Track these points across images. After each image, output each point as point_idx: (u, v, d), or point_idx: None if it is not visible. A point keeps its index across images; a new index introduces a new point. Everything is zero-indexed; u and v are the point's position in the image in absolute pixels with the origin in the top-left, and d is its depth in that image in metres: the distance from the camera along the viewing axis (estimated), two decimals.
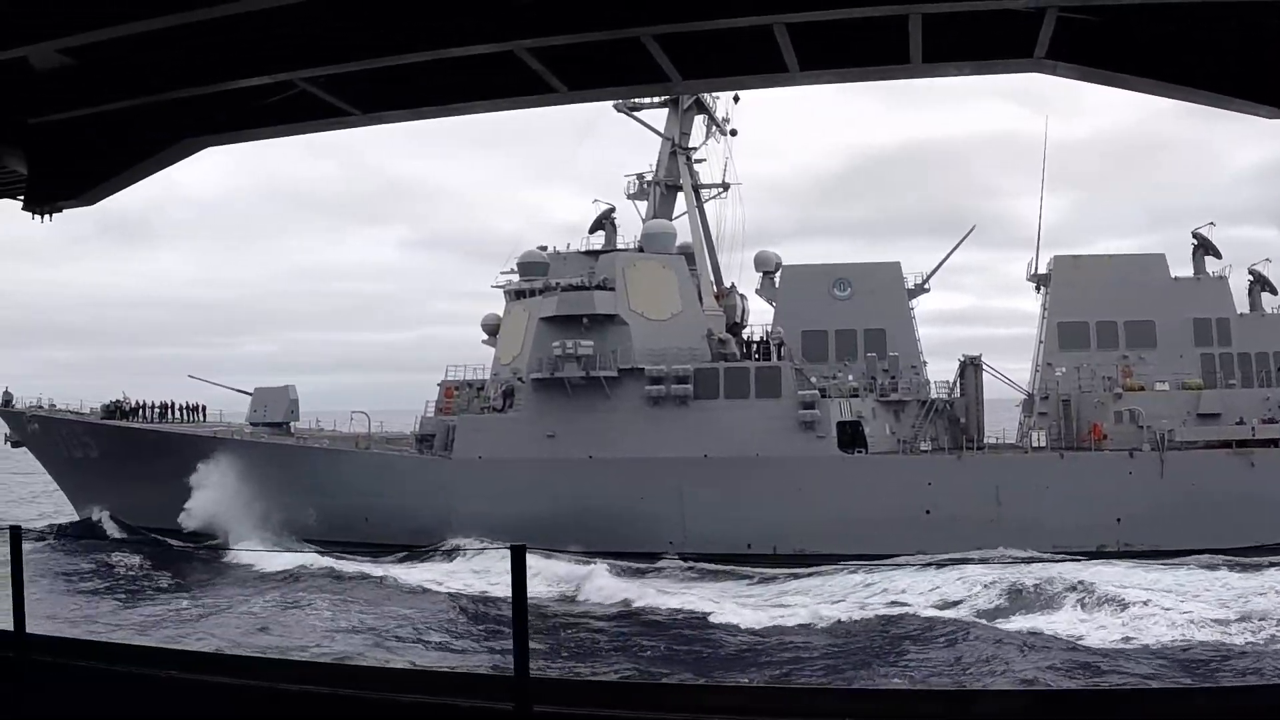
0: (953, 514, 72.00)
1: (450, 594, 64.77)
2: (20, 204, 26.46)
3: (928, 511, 72.54)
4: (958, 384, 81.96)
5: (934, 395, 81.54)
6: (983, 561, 66.83)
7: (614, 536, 71.87)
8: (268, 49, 17.12)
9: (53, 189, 25.38)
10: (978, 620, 55.37)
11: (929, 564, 67.07)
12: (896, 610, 57.90)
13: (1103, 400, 78.57)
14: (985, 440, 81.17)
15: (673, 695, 9.86)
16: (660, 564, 71.95)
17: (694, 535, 74.22)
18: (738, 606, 59.50)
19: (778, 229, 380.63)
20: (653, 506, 74.49)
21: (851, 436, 77.19)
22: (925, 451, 77.90)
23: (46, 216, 26.62)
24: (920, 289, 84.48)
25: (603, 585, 64.76)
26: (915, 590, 61.46)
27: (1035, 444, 78.29)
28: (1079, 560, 66.06)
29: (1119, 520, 71.62)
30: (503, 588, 59.72)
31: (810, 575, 66.50)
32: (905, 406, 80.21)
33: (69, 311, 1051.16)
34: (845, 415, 77.18)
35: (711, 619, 57.53)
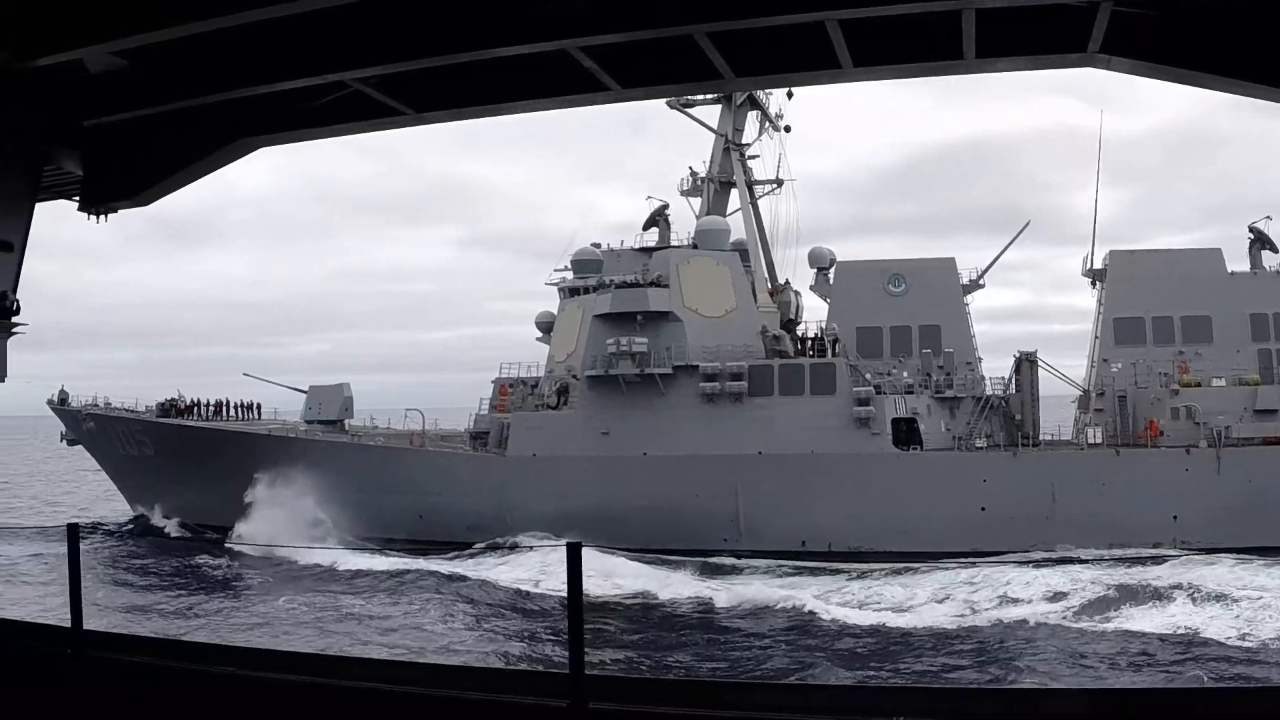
0: (1008, 511, 71.55)
1: (506, 591, 64.76)
2: (76, 205, 26.63)
3: (983, 509, 72.17)
4: (1013, 380, 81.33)
5: (989, 392, 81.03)
6: (1067, 560, 66.07)
7: (668, 534, 71.79)
8: (320, 50, 17.13)
9: (107, 190, 25.47)
10: (1090, 618, 54.86)
11: (1025, 561, 66.22)
12: (1006, 609, 57.28)
13: (1159, 396, 77.91)
14: (1041, 437, 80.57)
15: (728, 693, 9.83)
16: (743, 561, 71.86)
17: (749, 532, 74.11)
18: (838, 605, 59.16)
19: (832, 225, 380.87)
20: (707, 504, 74.37)
21: (906, 433, 76.91)
22: (980, 448, 77.54)
23: (102, 217, 26.75)
24: (975, 285, 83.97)
25: (685, 583, 64.67)
26: (1019, 584, 60.83)
27: (1091, 441, 77.60)
28: (1181, 559, 65.64)
29: (1175, 518, 71.03)
30: (557, 583, 60.03)
31: (907, 572, 65.82)
32: (960, 403, 79.87)
33: (125, 312, 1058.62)
34: (900, 412, 76.93)
35: (817, 617, 57.17)
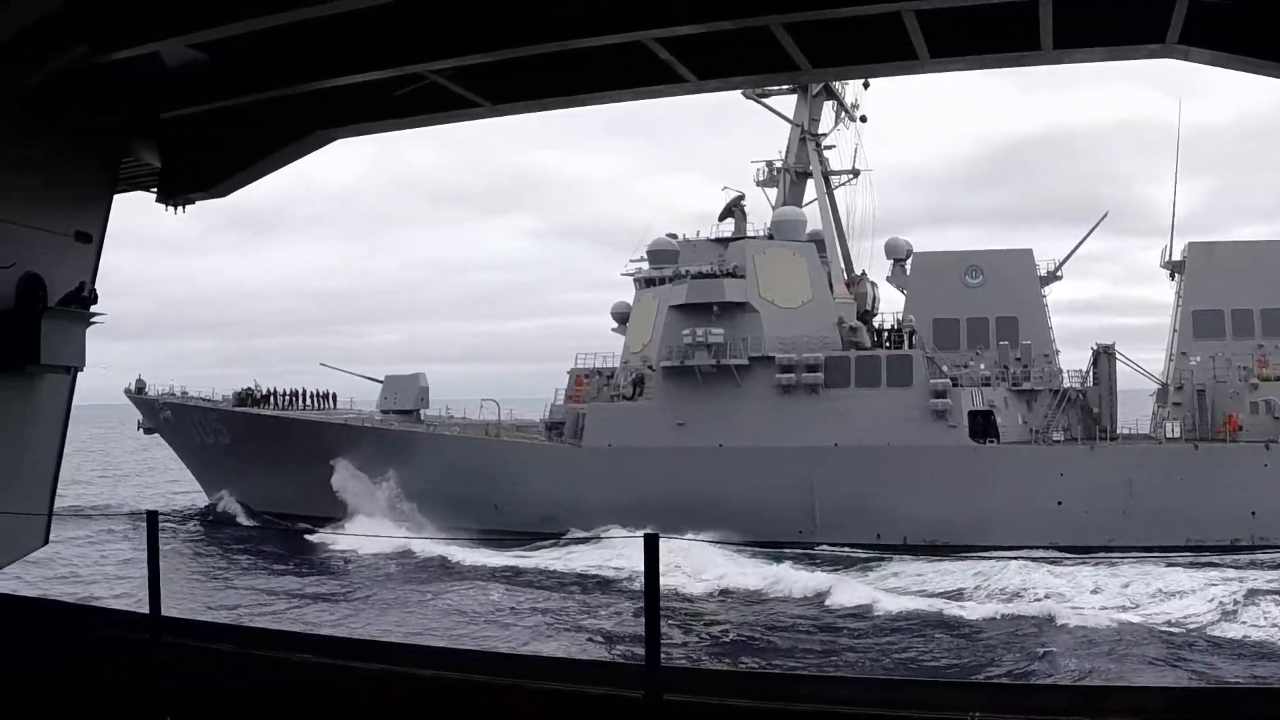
0: (1084, 505, 71.04)
1: (580, 581, 64.90)
2: (154, 196, 26.79)
3: (1059, 503, 71.68)
4: (1090, 373, 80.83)
5: (1067, 385, 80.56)
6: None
7: (743, 526, 71.56)
8: (397, 42, 17.18)
9: (185, 181, 25.62)
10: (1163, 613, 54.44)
11: (1104, 557, 65.64)
12: (1085, 604, 56.68)
13: (1238, 390, 77.24)
14: (1118, 431, 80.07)
15: (801, 686, 9.82)
16: (817, 553, 71.72)
17: (823, 525, 73.97)
18: (911, 599, 58.74)
19: (910, 217, 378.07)
20: (782, 496, 74.25)
21: (983, 426, 76.55)
22: (1057, 442, 77.01)
23: (179, 208, 26.92)
24: (1053, 276, 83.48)
25: (760, 575, 64.55)
26: (1100, 578, 60.20)
27: (1169, 435, 76.83)
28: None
29: (1254, 514, 70.46)
30: (632, 573, 60.12)
31: (982, 566, 65.18)
32: (1037, 396, 79.42)
33: (203, 303, 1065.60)
34: (977, 404, 76.57)
35: (891, 610, 56.76)
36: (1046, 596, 57.79)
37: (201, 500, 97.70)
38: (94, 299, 26.99)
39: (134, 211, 28.14)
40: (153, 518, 12.85)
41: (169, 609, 12.53)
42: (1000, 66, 17.39)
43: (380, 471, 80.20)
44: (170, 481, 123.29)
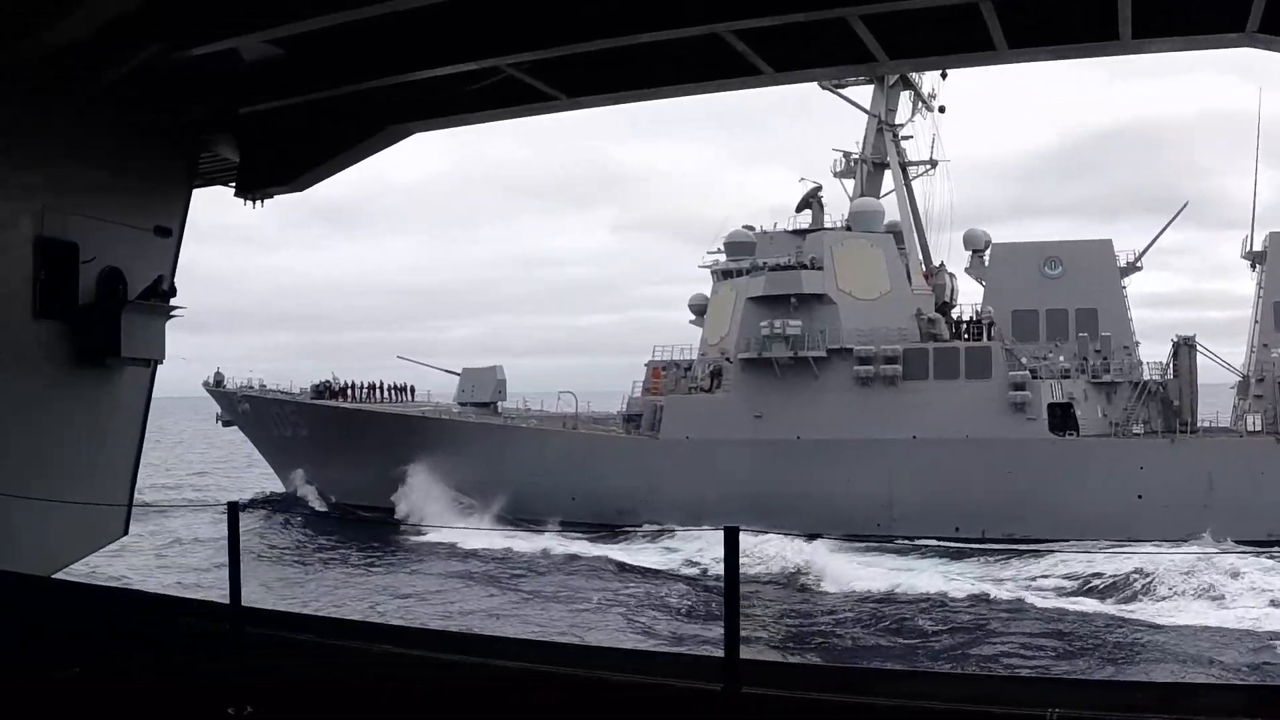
0: (1164, 499, 70.26)
1: (657, 573, 64.98)
2: (233, 191, 26.90)
3: (1139, 496, 71.11)
4: (1171, 366, 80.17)
5: (1147, 377, 79.94)
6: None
7: (821, 518, 71.51)
8: (474, 36, 17.22)
9: (263, 176, 25.75)
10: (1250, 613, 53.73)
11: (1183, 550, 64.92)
12: (1163, 599, 56.06)
13: None
14: (1199, 424, 79.29)
15: (880, 680, 9.81)
16: (895, 546, 71.47)
17: (901, 518, 73.76)
18: (991, 592, 58.40)
19: (991, 208, 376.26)
20: (860, 488, 74.06)
21: (1062, 419, 76.09)
22: (1137, 435, 76.44)
23: (257, 203, 27.07)
24: (1133, 267, 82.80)
25: (840, 569, 64.31)
26: (1178, 572, 59.47)
27: (1250, 428, 76.43)
28: None
29: None
30: (710, 565, 60.19)
31: (1061, 559, 64.61)
32: (1117, 388, 78.90)
33: (282, 296, 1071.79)
34: (1056, 397, 76.12)
35: (970, 604, 56.58)
36: (1127, 591, 57.43)
37: (280, 492, 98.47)
38: (173, 292, 27.19)
39: (215, 205, 28.31)
40: (233, 509, 12.94)
41: (249, 599, 12.64)
42: (1078, 57, 17.31)
43: (456, 463, 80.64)
44: (248, 473, 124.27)
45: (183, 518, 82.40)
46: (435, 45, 18.17)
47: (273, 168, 25.77)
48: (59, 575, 24.79)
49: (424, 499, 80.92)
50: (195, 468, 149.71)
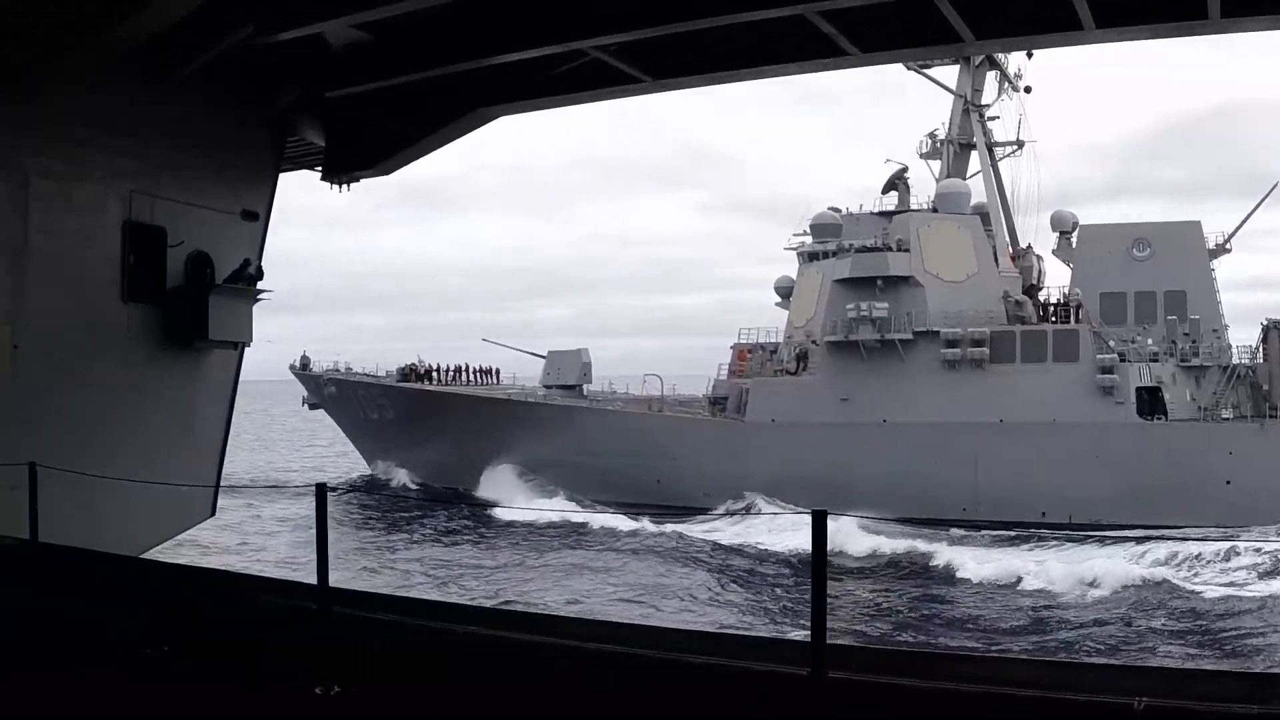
0: (1254, 485, 69.48)
1: (744, 556, 64.91)
2: (319, 175, 27.10)
3: (1228, 482, 70.35)
4: (1260, 349, 79.27)
5: (1236, 361, 79.05)
6: None
7: (907, 502, 71.21)
8: (559, 19, 17.25)
9: (349, 160, 25.94)
10: None
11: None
12: (1260, 585, 55.47)
13: None
14: None
15: (968, 666, 9.78)
16: (982, 532, 71.02)
17: (987, 502, 73.27)
18: (1078, 578, 57.74)
19: (1083, 191, 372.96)
20: (946, 472, 73.73)
21: (1150, 402, 75.46)
22: (1226, 419, 75.59)
23: (344, 186, 27.27)
24: (1222, 249, 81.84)
25: (926, 552, 64.16)
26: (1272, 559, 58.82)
27: None
28: None
29: None
30: (795, 548, 60.02)
31: (1149, 545, 63.97)
32: (1206, 372, 77.96)
33: (374, 278, 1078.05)
34: (1144, 380, 75.36)
35: (1057, 589, 55.76)
36: (1218, 580, 56.92)
37: (366, 473, 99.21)
38: (260, 275, 27.42)
39: (307, 186, 28.53)
40: (321, 491, 13.06)
41: (335, 580, 12.74)
42: (1167, 36, 17.18)
43: (540, 445, 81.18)
44: (336, 455, 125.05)
45: (270, 499, 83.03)
46: (520, 28, 18.21)
47: (358, 152, 25.94)
48: (147, 555, 25.04)
49: (508, 481, 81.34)
50: (283, 449, 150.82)
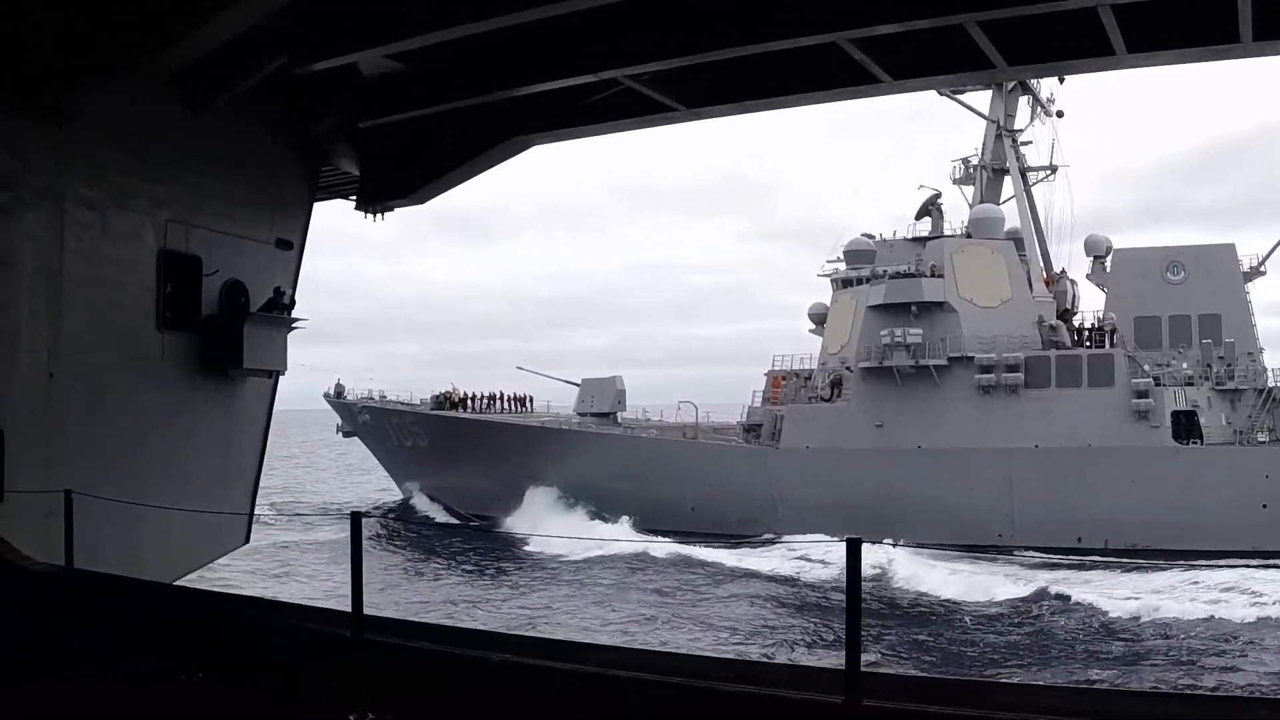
0: None
1: (777, 583, 64.79)
2: (353, 204, 27.21)
3: (1264, 506, 70.02)
4: None
5: (1272, 384, 78.70)
6: None
7: (942, 528, 71.29)
8: (593, 48, 17.32)
9: (384, 189, 26.05)
10: None
11: None
12: None
13: None
14: None
15: (1004, 694, 9.77)
16: (1018, 556, 70.93)
17: (1023, 527, 73.14)
18: (1117, 603, 57.49)
19: (1119, 215, 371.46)
20: (982, 497, 73.67)
21: (1186, 426, 75.18)
22: (1262, 443, 75.28)
23: (378, 216, 27.40)
24: (1257, 272, 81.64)
25: (961, 579, 63.98)
26: None
27: None
28: None
29: None
30: (830, 576, 59.91)
31: (1187, 571, 63.68)
32: (1241, 395, 77.69)
33: (407, 306, 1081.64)
34: (1180, 404, 75.08)
35: (1097, 615, 55.59)
36: (1257, 605, 56.66)
37: (399, 501, 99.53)
38: (292, 304, 27.55)
39: (342, 216, 28.68)
40: (356, 518, 13.11)
41: (369, 607, 12.78)
42: (1199, 61, 17.17)
43: (574, 472, 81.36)
44: (368, 483, 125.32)
45: (304, 526, 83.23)
46: (554, 58, 18.28)
47: (393, 181, 26.07)
48: (181, 581, 25.15)
49: (543, 507, 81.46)
50: (318, 477, 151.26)
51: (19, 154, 21.33)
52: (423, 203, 27.34)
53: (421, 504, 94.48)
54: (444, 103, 21.70)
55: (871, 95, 20.41)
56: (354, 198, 28.95)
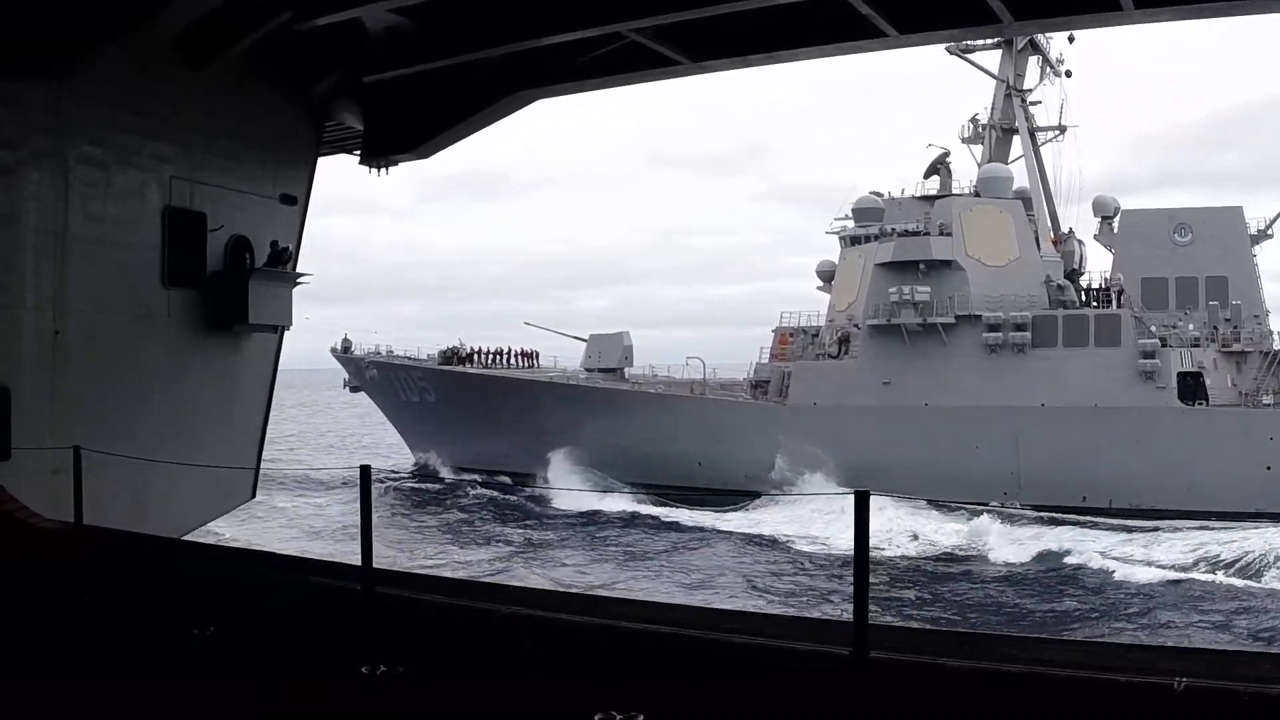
0: None
1: (784, 538, 64.92)
2: (357, 159, 27.23)
3: (1268, 468, 70.08)
4: None
5: (1277, 346, 78.61)
6: None
7: (947, 485, 71.44)
8: (596, 1, 17.28)
9: (387, 144, 26.07)
10: None
11: None
12: None
13: None
14: None
15: (1009, 646, 9.82)
16: (1022, 514, 71.01)
17: (1028, 486, 73.18)
18: (1120, 561, 57.59)
19: (1132, 179, 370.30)
20: (987, 456, 73.72)
21: (1192, 387, 75.16)
22: (1268, 405, 75.09)
23: (382, 170, 27.40)
24: (1263, 235, 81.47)
25: (966, 535, 64.21)
26: None
27: None
28: None
29: None
30: (837, 531, 60.00)
31: (1190, 530, 63.79)
32: (1247, 357, 77.69)
33: (415, 267, 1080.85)
34: (1185, 365, 75.00)
35: (1099, 572, 56.01)
36: (1259, 564, 56.76)
37: (408, 456, 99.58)
38: (289, 256, 27.59)
39: (353, 177, 28.70)
40: (365, 472, 13.15)
41: (379, 561, 12.86)
42: (1208, 16, 17.14)
43: (583, 429, 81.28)
44: (377, 438, 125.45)
45: (313, 481, 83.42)
46: (558, 12, 18.27)
47: (396, 136, 26.09)
48: (189, 536, 25.24)
49: (557, 466, 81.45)
50: (323, 434, 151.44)
51: (22, 114, 21.36)
52: (426, 157, 27.38)
53: (430, 459, 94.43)
54: (448, 57, 21.69)
55: (877, 49, 20.40)
56: (358, 153, 29.03)
